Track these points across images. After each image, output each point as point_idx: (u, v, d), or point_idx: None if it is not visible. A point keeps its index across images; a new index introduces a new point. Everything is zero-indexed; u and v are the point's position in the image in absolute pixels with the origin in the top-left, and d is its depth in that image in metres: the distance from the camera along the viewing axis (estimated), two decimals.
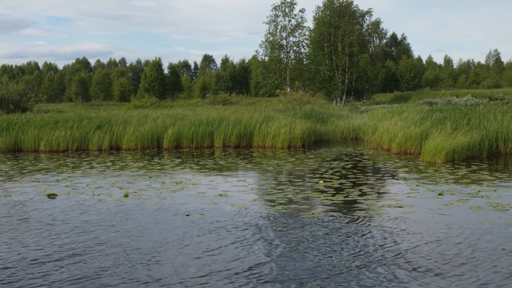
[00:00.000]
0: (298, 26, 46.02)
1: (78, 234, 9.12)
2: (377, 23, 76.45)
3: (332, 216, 10.04)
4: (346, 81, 55.44)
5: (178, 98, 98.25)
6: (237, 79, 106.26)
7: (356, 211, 10.38)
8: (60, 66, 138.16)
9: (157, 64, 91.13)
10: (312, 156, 20.47)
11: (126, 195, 12.68)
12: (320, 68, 50.50)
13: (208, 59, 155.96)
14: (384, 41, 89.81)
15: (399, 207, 10.69)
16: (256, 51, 59.83)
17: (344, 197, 11.86)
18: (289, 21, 45.25)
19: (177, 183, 14.35)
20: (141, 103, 61.10)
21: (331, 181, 13.85)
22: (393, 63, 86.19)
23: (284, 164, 18.11)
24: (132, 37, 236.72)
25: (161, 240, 8.64)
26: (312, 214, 10.22)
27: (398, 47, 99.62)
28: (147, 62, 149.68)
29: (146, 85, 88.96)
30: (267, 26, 45.53)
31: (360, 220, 9.70)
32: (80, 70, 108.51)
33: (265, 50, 45.11)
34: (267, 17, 46.25)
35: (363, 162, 18.34)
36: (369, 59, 56.95)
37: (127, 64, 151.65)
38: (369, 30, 68.98)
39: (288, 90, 42.63)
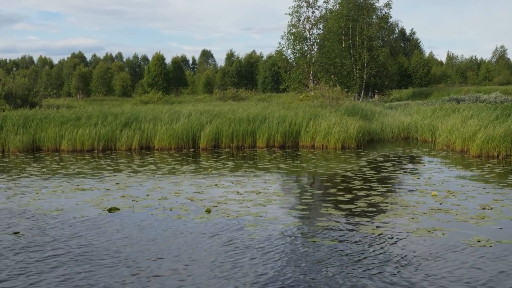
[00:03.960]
0: (322, 18, 43.38)
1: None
2: (386, 17, 73.94)
3: None
4: (365, 76, 53.03)
5: (182, 94, 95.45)
6: (243, 75, 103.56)
7: None
8: (53, 61, 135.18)
9: (161, 59, 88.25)
10: (394, 161, 18.01)
11: (208, 211, 10.21)
12: (346, 63, 47.95)
13: (206, 54, 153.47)
14: (394, 36, 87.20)
15: None
16: (279, 43, 57.00)
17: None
18: (313, 12, 42.58)
19: (256, 193, 11.89)
20: (148, 98, 58.59)
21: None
22: (405, 59, 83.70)
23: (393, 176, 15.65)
24: (124, 32, 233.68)
25: None
26: None
27: (407, 42, 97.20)
28: (144, 57, 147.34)
29: (150, 80, 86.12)
30: (289, 17, 42.89)
31: None
32: (79, 64, 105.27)
33: (287, 43, 42.45)
34: (290, 7, 43.58)
35: (464, 171, 15.91)
36: (389, 54, 54.50)
37: (124, 59, 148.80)
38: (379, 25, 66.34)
39: (312, 85, 40.15)
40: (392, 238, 8.05)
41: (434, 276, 6.48)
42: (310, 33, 42.32)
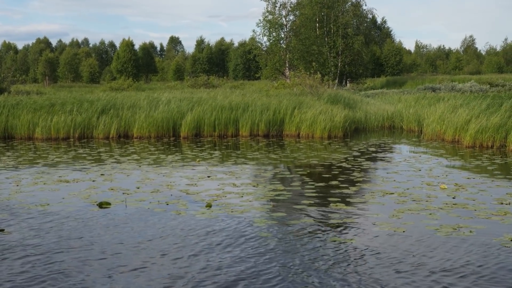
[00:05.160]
0: (299, 4, 42.67)
1: None
2: (358, 5, 73.58)
3: None
4: (339, 64, 52.55)
5: (152, 81, 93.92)
6: (214, 62, 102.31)
7: None
8: (17, 47, 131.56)
9: (130, 45, 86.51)
10: (387, 151, 17.48)
11: (209, 205, 9.49)
12: (323, 50, 47.36)
13: (174, 41, 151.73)
14: (365, 24, 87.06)
15: None
16: (253, 30, 56.16)
17: None
18: None
19: (254, 185, 11.21)
20: (117, 85, 57.21)
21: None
22: (377, 47, 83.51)
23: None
24: (89, 18, 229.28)
25: None
26: None
27: (378, 31, 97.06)
28: (111, 43, 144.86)
29: (119, 66, 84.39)
30: (265, 3, 42.10)
31: None
32: (45, 50, 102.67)
33: (263, 30, 41.65)
34: None
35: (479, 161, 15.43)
36: (364, 42, 54.08)
37: (90, 45, 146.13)
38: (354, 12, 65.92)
39: (291, 72, 39.47)
40: (420, 238, 7.44)
41: (484, 279, 5.90)
42: (287, 19, 41.59)
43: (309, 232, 7.76)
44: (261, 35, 41.57)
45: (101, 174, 12.87)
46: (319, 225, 8.10)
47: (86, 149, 18.05)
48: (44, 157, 16.18)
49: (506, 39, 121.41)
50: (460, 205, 9.25)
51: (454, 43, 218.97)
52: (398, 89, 48.34)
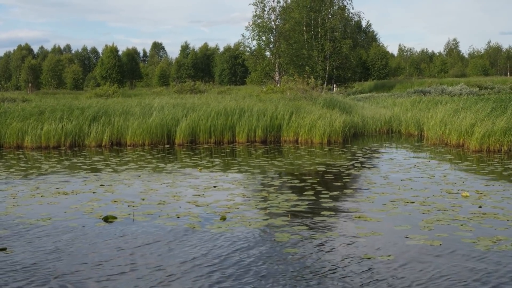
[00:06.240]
0: (288, 8, 42.19)
1: None
2: (343, 8, 73.34)
3: None
4: (327, 68, 52.16)
5: (136, 87, 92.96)
6: (199, 67, 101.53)
7: None
8: None
9: (114, 50, 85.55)
10: (394, 157, 16.99)
11: (223, 218, 8.91)
12: (313, 54, 46.90)
13: (157, 47, 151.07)
14: (350, 28, 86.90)
15: None
16: (243, 34, 55.61)
17: None
18: (278, 2, 41.33)
19: (265, 196, 10.64)
20: (103, 91, 56.39)
21: None
22: (364, 51, 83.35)
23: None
24: (70, 24, 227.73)
25: None
26: None
27: (363, 34, 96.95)
28: (93, 49, 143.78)
29: (103, 72, 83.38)
30: (254, 7, 41.53)
31: None
32: (27, 56, 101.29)
33: (252, 34, 41.07)
34: None
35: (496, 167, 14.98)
36: (352, 45, 53.72)
37: (73, 51, 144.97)
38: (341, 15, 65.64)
39: (285, 77, 38.99)
40: (463, 253, 6.91)
41: None
42: (276, 23, 41.11)
43: (337, 248, 7.21)
44: (250, 39, 40.81)
45: (101, 185, 12.24)
46: (346, 240, 7.54)
47: (80, 158, 17.37)
48: (37, 167, 15.49)
49: (489, 42, 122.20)
50: (490, 214, 8.76)
51: (436, 46, 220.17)
52: (388, 93, 48.00)
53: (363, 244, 7.35)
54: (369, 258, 6.72)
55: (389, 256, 6.80)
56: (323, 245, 7.34)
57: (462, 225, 8.17)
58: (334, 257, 6.84)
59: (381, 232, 7.87)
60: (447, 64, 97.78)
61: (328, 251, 7.07)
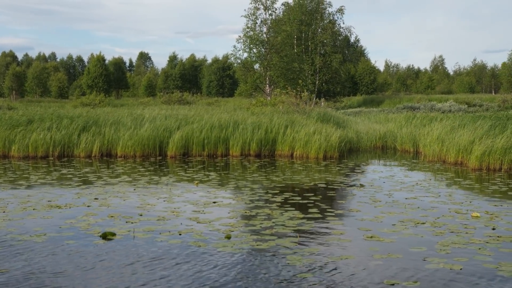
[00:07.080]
0: (280, 21, 41.99)
1: None
2: (333, 23, 73.49)
3: None
4: (317, 82, 52.06)
5: (123, 96, 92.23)
6: (187, 78, 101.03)
7: None
8: None
9: (101, 59, 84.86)
10: (395, 175, 16.65)
11: (228, 237, 8.49)
12: (304, 67, 46.71)
13: (144, 57, 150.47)
14: (338, 42, 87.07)
15: None
16: (234, 46, 55.29)
17: None
18: (270, 15, 41.11)
19: (268, 214, 10.22)
20: (89, 100, 55.74)
21: None
22: (352, 66, 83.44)
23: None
24: (55, 32, 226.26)
25: None
26: None
27: (352, 49, 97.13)
28: (79, 58, 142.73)
29: (90, 81, 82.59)
30: (246, 19, 41.22)
31: None
32: (11, 63, 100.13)
33: (243, 46, 40.76)
34: (245, 10, 42.06)
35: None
36: (342, 60, 53.72)
37: (58, 59, 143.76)
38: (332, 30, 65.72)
39: (268, 90, 38.72)
40: (488, 278, 6.54)
41: None
42: (267, 36, 40.86)
43: (355, 272, 6.80)
44: (241, 51, 40.48)
45: (95, 198, 11.76)
46: (362, 263, 7.16)
47: (70, 169, 16.85)
48: (25, 177, 14.96)
49: (475, 60, 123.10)
50: (506, 237, 8.43)
51: (421, 62, 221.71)
52: (377, 108, 48.02)
53: (382, 267, 6.96)
54: (393, 284, 6.32)
55: (416, 282, 6.40)
56: (340, 268, 6.93)
57: (480, 248, 7.82)
58: (353, 282, 6.43)
59: (398, 254, 7.48)
60: (434, 81, 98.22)
61: (348, 276, 6.66)
